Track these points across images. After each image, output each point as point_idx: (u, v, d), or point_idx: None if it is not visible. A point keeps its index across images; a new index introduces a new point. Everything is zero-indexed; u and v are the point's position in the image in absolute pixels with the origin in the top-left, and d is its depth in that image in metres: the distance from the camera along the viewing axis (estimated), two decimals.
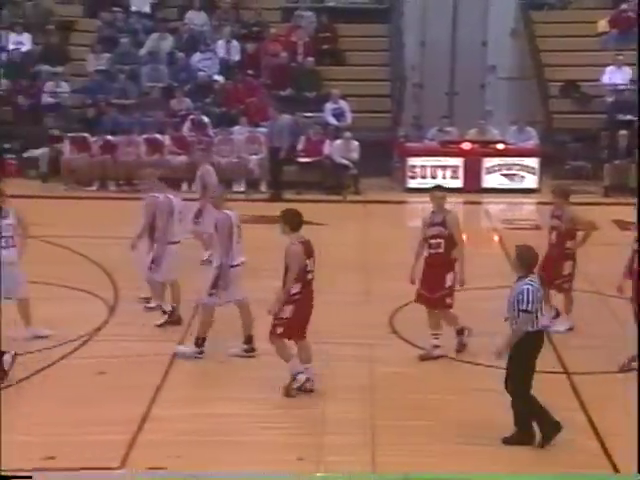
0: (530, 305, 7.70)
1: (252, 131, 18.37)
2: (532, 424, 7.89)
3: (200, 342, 9.45)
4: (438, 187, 9.95)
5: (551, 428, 7.86)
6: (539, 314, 7.78)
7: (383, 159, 18.60)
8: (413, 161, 18.39)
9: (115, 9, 20.61)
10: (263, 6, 21.28)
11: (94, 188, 17.64)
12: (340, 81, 19.70)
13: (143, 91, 19.29)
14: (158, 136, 18.18)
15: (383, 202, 17.13)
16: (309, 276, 8.52)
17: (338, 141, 18.23)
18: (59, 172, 17.26)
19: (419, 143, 19.09)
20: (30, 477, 6.89)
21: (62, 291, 11.29)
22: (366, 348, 9.95)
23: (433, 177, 18.21)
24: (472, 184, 18.22)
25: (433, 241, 9.38)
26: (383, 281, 11.86)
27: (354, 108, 19.01)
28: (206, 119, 18.41)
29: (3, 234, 9.49)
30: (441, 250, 9.36)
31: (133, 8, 20.85)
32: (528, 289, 7.74)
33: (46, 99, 18.83)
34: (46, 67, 19.26)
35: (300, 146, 18.20)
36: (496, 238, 15.34)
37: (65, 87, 19.01)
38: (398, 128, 19.55)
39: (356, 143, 18.13)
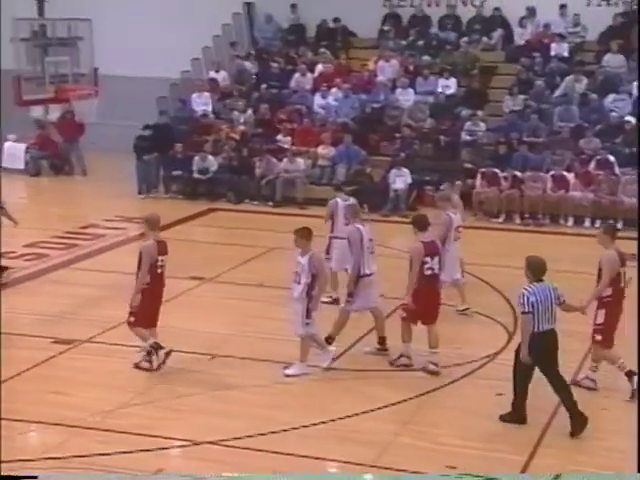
0: (524, 307, 8.02)
1: None
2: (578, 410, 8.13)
3: (330, 340, 10.11)
4: (607, 227, 9.67)
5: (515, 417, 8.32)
6: (539, 316, 7.99)
7: None
8: None
9: (535, 54, 20.82)
10: None
11: (500, 220, 17.92)
12: None
13: (553, 130, 19.22)
14: (565, 173, 18.01)
15: None
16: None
17: None
18: (470, 204, 17.75)
19: None
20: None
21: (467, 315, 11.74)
22: None
23: None
24: None
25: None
26: None
27: None
28: (612, 158, 17.87)
29: (296, 269, 9.72)
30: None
31: (552, 53, 20.91)
32: (523, 293, 8.09)
33: (464, 137, 19.50)
34: (467, 110, 19.96)
35: None
36: None
37: (482, 127, 19.55)
38: None
39: None
